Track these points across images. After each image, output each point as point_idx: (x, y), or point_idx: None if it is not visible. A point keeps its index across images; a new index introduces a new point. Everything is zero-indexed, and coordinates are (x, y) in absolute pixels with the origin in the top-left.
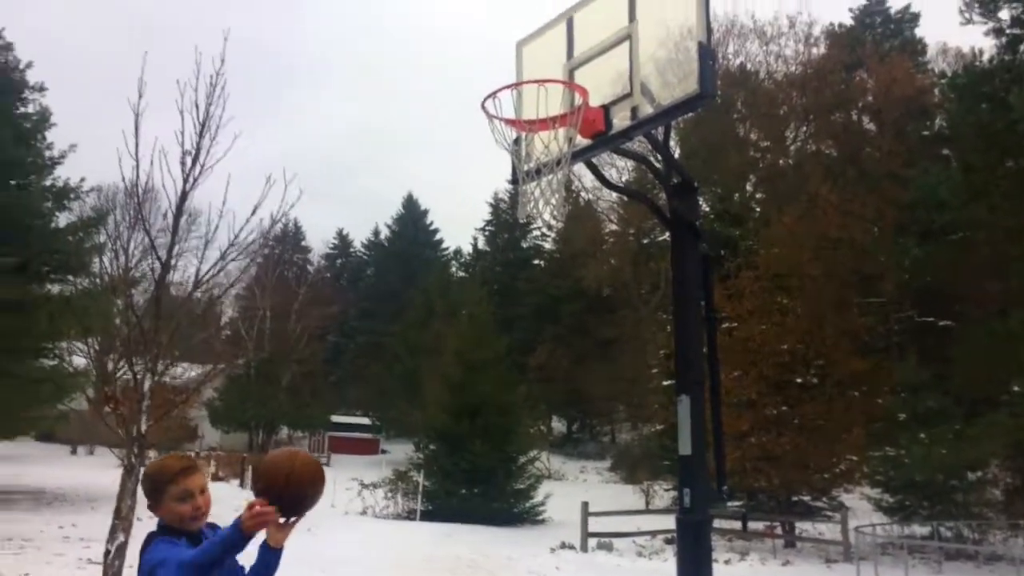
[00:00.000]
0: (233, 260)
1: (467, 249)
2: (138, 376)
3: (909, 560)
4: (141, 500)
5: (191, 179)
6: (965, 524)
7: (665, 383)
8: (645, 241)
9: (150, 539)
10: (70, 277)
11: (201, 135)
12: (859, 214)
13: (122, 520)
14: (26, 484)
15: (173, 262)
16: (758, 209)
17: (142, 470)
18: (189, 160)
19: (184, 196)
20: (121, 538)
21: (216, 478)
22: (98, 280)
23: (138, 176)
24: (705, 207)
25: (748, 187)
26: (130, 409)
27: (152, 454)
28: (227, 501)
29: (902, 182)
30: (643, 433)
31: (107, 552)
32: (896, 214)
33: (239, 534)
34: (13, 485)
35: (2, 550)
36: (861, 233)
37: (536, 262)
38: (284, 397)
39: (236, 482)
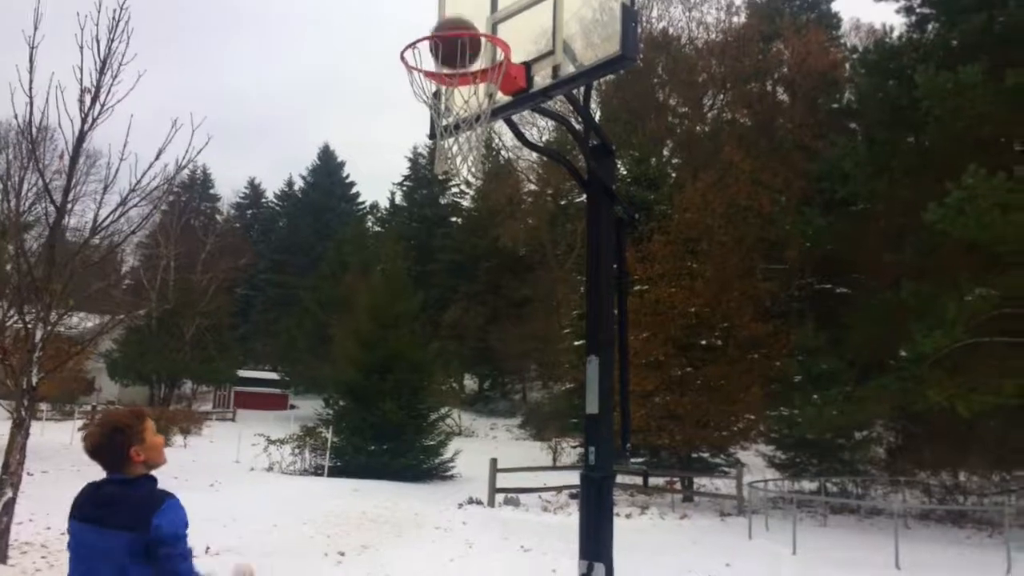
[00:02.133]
0: (135, 206)
1: (384, 204)
2: (29, 326)
3: (797, 513)
4: (36, 452)
5: (90, 119)
6: (850, 480)
7: (576, 343)
8: (563, 202)
9: (157, 496)
10: None
11: (102, 72)
12: (768, 183)
13: (10, 475)
14: None
15: (69, 206)
16: (673, 174)
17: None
18: (88, 98)
19: (82, 137)
20: (8, 493)
21: None
22: None
23: (31, 113)
24: (622, 170)
25: (665, 152)
26: (20, 360)
27: (43, 407)
28: None
29: (811, 154)
30: (553, 392)
31: None
32: (803, 184)
33: None
34: None
35: None
36: (769, 202)
37: (453, 219)
38: (188, 350)
39: None
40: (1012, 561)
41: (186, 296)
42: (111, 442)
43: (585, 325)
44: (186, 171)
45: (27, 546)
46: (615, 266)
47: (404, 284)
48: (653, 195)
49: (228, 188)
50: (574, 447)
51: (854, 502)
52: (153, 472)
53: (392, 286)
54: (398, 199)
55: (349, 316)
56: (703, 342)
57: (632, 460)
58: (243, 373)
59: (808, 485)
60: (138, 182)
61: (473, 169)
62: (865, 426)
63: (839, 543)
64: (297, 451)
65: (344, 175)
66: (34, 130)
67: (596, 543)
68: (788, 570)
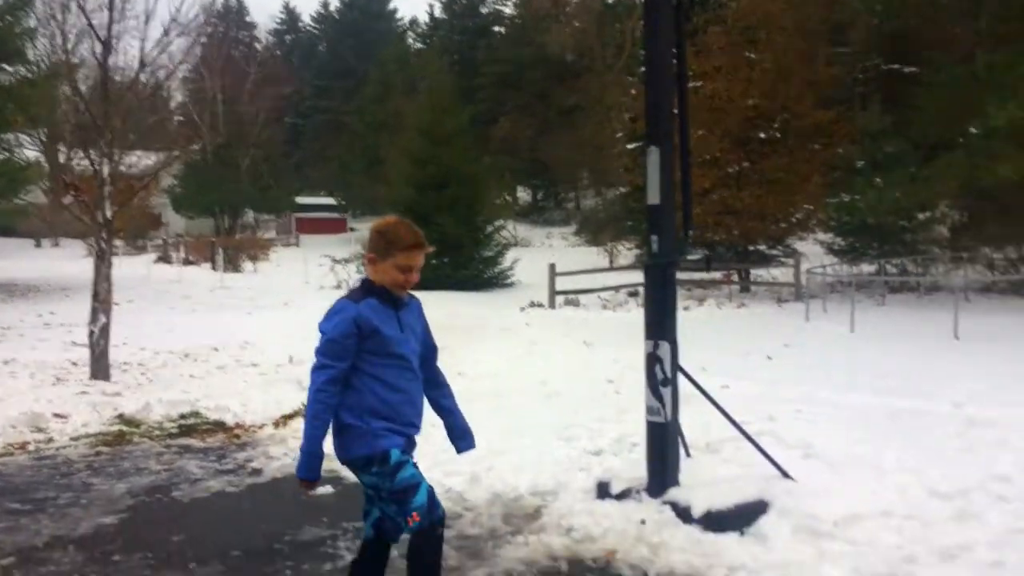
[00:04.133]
0: (177, 36)
1: (423, 18)
2: (95, 164)
3: (855, 295)
4: (117, 284)
5: None
6: (910, 260)
7: (630, 146)
8: (610, 1)
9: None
10: (4, 65)
11: None
12: None
13: (101, 303)
14: None
15: (114, 42)
16: None
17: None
18: None
19: None
20: (103, 319)
21: (187, 262)
22: (35, 68)
23: None
24: None
25: None
26: (92, 196)
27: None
28: (202, 283)
29: None
30: (607, 197)
31: (91, 333)
32: None
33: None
34: None
35: None
36: None
37: (496, 29)
38: (246, 181)
39: (208, 265)
40: None
41: (237, 128)
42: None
43: (642, 123)
44: None
45: (126, 365)
46: (674, 52)
47: (451, 100)
48: None
49: (263, 15)
50: (630, 249)
51: (914, 279)
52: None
53: (439, 102)
54: (437, 11)
55: (399, 136)
56: (761, 135)
57: (692, 254)
58: (301, 200)
59: (867, 268)
60: (178, 10)
61: None
62: (929, 206)
63: (898, 319)
64: (362, 269)
65: None
66: None
67: (661, 326)
68: (845, 345)
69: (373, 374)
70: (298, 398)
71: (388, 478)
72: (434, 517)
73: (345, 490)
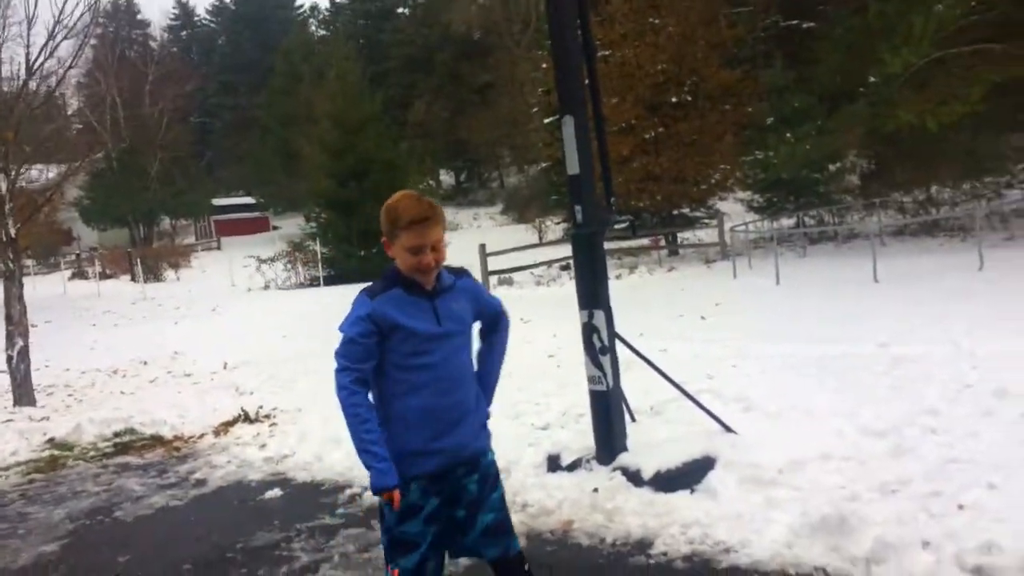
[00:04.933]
0: (64, 39)
1: (324, 3)
2: None
3: (778, 249)
4: (32, 304)
5: None
6: (826, 211)
7: (547, 120)
8: None
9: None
10: None
11: None
12: None
13: (16, 326)
14: None
15: None
16: None
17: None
18: None
19: None
20: (20, 342)
21: (105, 276)
22: None
23: None
24: None
25: None
26: None
27: (29, 262)
28: (123, 296)
29: None
30: (529, 174)
31: (9, 358)
32: None
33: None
34: None
35: None
36: None
37: (400, 10)
38: (157, 186)
39: (127, 277)
40: (983, 259)
41: (141, 132)
42: None
43: (555, 94)
44: None
45: (51, 388)
46: (579, 23)
47: (361, 86)
48: None
49: (156, 11)
50: (558, 223)
51: (831, 228)
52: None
53: (349, 90)
54: None
55: (312, 127)
56: (673, 99)
57: (617, 222)
58: (218, 201)
59: (787, 223)
60: (60, 12)
61: None
62: (838, 157)
63: (820, 268)
64: (289, 266)
65: None
66: None
67: (594, 294)
68: (773, 298)
69: (403, 380)
70: (236, 404)
71: (391, 516)
72: None
73: (294, 491)
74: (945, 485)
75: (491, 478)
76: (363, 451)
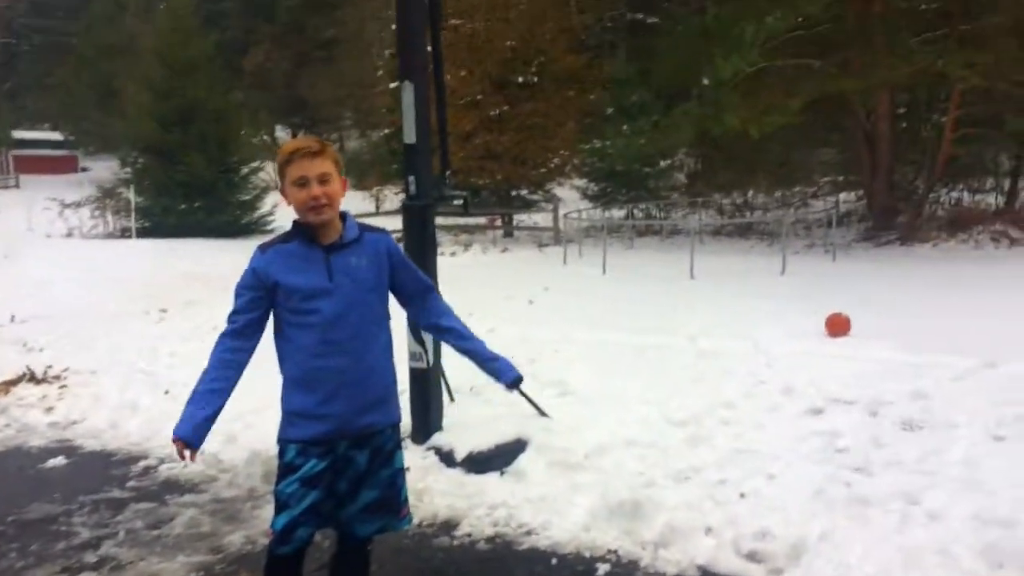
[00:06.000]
0: None
1: None
2: None
3: (607, 239)
4: None
5: None
6: (654, 205)
7: (392, 85)
8: None
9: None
10: None
11: None
12: None
13: None
14: None
15: None
16: None
17: None
18: None
19: None
20: None
21: None
22: None
23: None
24: None
25: None
26: None
27: None
28: None
29: None
30: (371, 139)
31: None
32: None
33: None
34: None
35: None
36: None
37: None
38: None
39: None
40: (786, 263)
41: None
42: None
43: (397, 56)
44: None
45: None
46: None
47: (193, 24)
48: None
49: None
50: (396, 193)
51: (657, 223)
52: None
53: (180, 25)
54: None
55: (135, 63)
56: (520, 79)
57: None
58: (19, 134)
59: (617, 213)
60: None
61: None
62: (669, 154)
63: (644, 261)
64: (98, 214)
65: None
66: None
67: (423, 269)
68: (599, 287)
69: (291, 338)
70: (22, 361)
71: (278, 473)
72: (279, 548)
73: (81, 460)
74: (731, 473)
75: (384, 454)
76: (191, 397)
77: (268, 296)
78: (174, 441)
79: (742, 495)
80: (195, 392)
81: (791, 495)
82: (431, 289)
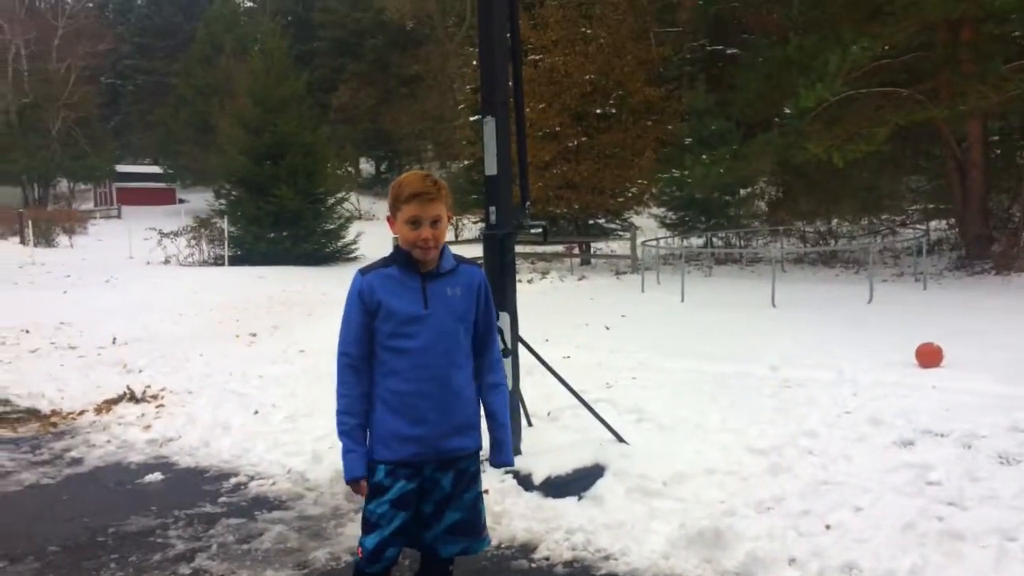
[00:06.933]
0: None
1: None
2: None
3: (685, 267)
4: None
5: None
6: (734, 234)
7: (472, 118)
8: None
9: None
10: None
11: None
12: None
13: None
14: None
15: None
16: None
17: None
18: None
19: None
20: None
21: None
22: None
23: None
24: None
25: None
26: None
27: None
28: (9, 259)
29: None
30: (451, 170)
31: None
32: None
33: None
34: None
35: None
36: None
37: None
38: (57, 146)
39: (16, 240)
40: (873, 292)
41: (45, 87)
42: None
43: (480, 91)
44: None
45: None
46: (508, 26)
47: (286, 64)
48: None
49: None
50: (475, 222)
51: (737, 251)
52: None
53: (273, 67)
54: None
55: (230, 102)
56: (598, 111)
57: (531, 226)
58: (123, 168)
59: (696, 241)
60: None
61: None
62: (749, 182)
63: (723, 289)
64: (193, 243)
65: None
66: None
67: (501, 295)
68: (677, 314)
69: (385, 361)
70: (122, 382)
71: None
72: (369, 567)
73: (176, 476)
74: (816, 504)
75: (467, 477)
76: (340, 437)
77: (371, 321)
78: (349, 482)
79: (827, 527)
80: (344, 433)
81: (879, 528)
82: (492, 332)
